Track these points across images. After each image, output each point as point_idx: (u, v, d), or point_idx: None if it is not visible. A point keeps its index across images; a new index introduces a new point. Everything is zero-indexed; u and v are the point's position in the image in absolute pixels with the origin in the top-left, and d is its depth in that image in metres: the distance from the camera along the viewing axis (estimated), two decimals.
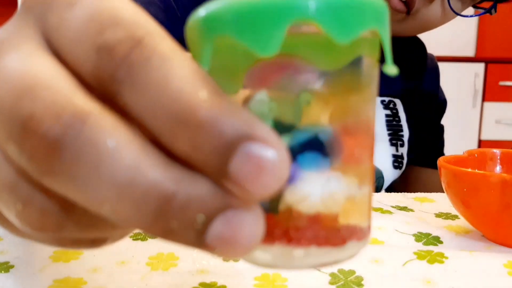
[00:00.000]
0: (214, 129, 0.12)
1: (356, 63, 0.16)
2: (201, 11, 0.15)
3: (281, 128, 0.15)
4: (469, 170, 0.38)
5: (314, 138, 0.15)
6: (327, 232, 0.15)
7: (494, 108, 2.44)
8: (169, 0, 0.56)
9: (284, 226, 0.15)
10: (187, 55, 0.14)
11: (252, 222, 0.13)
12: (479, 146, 2.45)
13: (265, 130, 0.13)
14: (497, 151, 0.44)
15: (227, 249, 0.13)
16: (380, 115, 0.66)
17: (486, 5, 0.61)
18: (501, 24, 2.35)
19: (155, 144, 0.13)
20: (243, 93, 0.15)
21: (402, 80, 0.69)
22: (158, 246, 0.34)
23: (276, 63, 0.15)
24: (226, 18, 0.14)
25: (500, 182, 0.34)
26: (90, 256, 0.33)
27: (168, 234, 0.13)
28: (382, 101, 0.67)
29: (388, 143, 0.66)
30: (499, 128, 2.43)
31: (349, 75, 0.16)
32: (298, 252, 0.15)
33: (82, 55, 0.13)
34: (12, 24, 0.15)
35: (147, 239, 0.36)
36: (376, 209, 0.44)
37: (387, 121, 0.66)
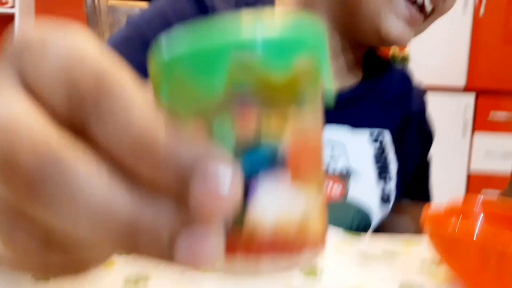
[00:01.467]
0: (169, 154, 0.14)
1: (299, 90, 0.18)
2: (162, 51, 0.17)
3: (242, 146, 0.17)
4: (449, 230, 0.40)
5: (272, 155, 0.17)
6: (285, 242, 0.17)
7: (484, 139, 2.46)
8: (146, 35, 0.58)
9: (244, 238, 0.17)
10: (146, 88, 0.16)
11: (213, 238, 0.15)
12: (468, 177, 2.46)
13: (218, 151, 0.15)
14: (480, 199, 0.45)
15: (192, 263, 0.15)
16: (368, 148, 0.66)
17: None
18: (492, 55, 2.39)
19: (121, 167, 0.15)
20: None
21: (389, 112, 0.70)
22: None
23: (230, 98, 0.17)
24: (177, 65, 0.16)
25: (479, 246, 0.35)
26: None
27: (137, 251, 0.15)
28: (371, 133, 0.67)
29: (376, 177, 0.66)
30: (489, 159, 2.45)
31: (296, 102, 0.18)
32: (258, 260, 0.17)
33: (54, 91, 0.16)
34: None
35: (148, 284, 0.37)
36: (362, 255, 0.45)
37: (375, 154, 0.66)
